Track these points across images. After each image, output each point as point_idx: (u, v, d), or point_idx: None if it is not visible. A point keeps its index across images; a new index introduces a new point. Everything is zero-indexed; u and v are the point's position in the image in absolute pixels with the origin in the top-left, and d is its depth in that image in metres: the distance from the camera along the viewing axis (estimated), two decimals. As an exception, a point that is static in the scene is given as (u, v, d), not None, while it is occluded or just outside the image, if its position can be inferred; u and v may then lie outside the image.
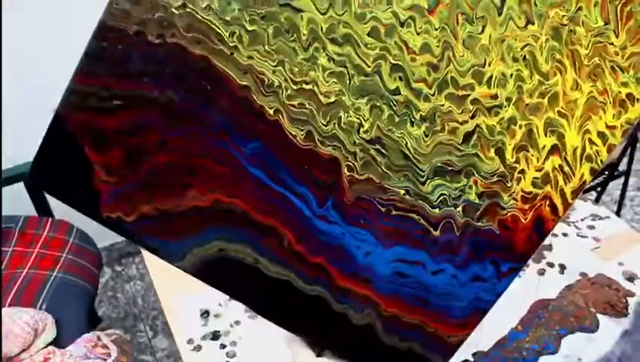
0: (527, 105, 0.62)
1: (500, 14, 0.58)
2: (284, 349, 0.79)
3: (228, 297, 0.82)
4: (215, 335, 0.81)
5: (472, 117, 0.62)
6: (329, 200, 0.64)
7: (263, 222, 0.64)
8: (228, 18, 0.56)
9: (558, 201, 0.65)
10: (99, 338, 0.94)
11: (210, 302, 0.86)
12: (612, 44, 0.60)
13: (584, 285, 0.86)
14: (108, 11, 0.53)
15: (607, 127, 0.63)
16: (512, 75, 0.61)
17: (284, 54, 0.58)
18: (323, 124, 0.61)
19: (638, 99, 0.62)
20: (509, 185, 0.65)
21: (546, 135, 0.63)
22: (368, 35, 0.58)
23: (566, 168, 0.65)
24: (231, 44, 0.56)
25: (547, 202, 0.66)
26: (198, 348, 0.79)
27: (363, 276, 0.68)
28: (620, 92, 0.62)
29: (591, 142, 0.63)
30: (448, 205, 0.65)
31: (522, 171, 0.64)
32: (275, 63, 0.58)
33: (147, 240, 0.64)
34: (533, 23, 0.59)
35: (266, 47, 0.57)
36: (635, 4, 0.58)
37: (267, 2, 0.56)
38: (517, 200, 0.66)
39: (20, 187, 1.38)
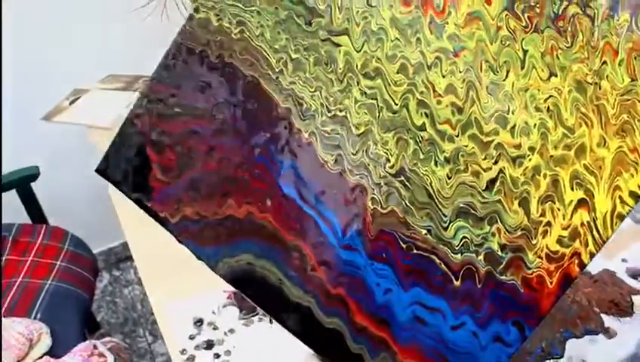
0: (551, 156, 0.63)
1: (522, 65, 0.62)
2: (279, 358, 0.77)
3: (222, 304, 0.82)
4: (209, 345, 0.81)
5: (495, 162, 0.64)
6: (353, 229, 0.67)
7: (290, 241, 0.68)
8: (277, 46, 0.66)
9: (586, 259, 0.63)
10: (95, 347, 0.95)
11: (204, 310, 0.86)
12: (641, 101, 0.61)
13: (586, 283, 0.80)
14: (182, 31, 0.66)
15: (641, 188, 0.61)
16: (535, 124, 0.63)
17: (322, 83, 0.66)
18: (352, 153, 0.66)
19: (673, 160, 0.61)
20: (533, 241, 0.64)
21: (572, 189, 0.63)
22: (397, 72, 0.65)
23: (596, 234, 0.62)
24: (277, 69, 0.66)
25: (576, 261, 0.63)
26: (192, 358, 0.80)
27: (381, 316, 0.68)
28: (652, 153, 0.61)
29: (622, 201, 0.62)
30: (470, 251, 0.65)
31: (548, 224, 0.63)
32: (313, 89, 0.66)
33: (187, 243, 0.70)
34: (556, 75, 0.62)
35: (307, 75, 0.66)
36: (662, 61, 0.60)
37: (311, 35, 0.65)
38: (542, 259, 0.64)
39: (13, 195, 1.39)
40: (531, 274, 0.64)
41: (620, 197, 0.62)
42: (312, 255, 0.68)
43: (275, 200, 0.68)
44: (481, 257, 0.65)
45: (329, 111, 0.66)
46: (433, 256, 0.66)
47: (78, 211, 2.04)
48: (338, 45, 0.65)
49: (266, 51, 0.66)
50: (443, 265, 0.66)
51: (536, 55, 0.62)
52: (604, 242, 0.62)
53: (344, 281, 0.68)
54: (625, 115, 0.61)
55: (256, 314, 0.90)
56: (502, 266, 0.65)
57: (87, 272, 1.31)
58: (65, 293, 1.18)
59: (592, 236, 0.62)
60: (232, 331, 0.85)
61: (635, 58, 0.60)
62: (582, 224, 0.63)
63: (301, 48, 0.66)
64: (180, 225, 0.70)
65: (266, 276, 0.69)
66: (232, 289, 0.90)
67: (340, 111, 0.66)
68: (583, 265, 0.63)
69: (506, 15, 0.62)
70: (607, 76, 0.61)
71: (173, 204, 0.69)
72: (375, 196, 0.66)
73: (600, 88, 0.61)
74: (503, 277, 0.65)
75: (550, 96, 0.62)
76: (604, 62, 0.61)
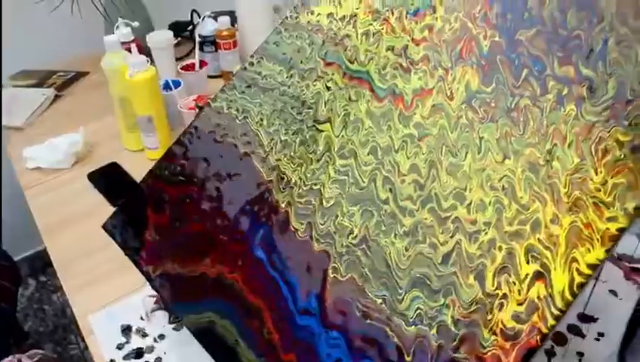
0: (506, 231, 0.63)
1: (479, 150, 0.67)
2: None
3: (150, 310, 0.75)
4: (138, 353, 0.74)
5: (452, 236, 0.65)
6: (312, 294, 0.68)
7: (252, 302, 0.70)
8: (271, 130, 0.76)
9: (546, 330, 0.58)
10: (19, 361, 0.87)
11: (132, 316, 0.79)
12: (592, 179, 0.62)
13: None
14: (198, 115, 0.79)
15: (600, 261, 0.59)
16: (490, 201, 0.65)
17: (303, 160, 0.74)
18: (321, 223, 0.70)
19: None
20: (489, 317, 0.61)
21: (528, 262, 0.61)
22: (368, 154, 0.72)
23: (554, 310, 0.59)
24: (267, 148, 0.76)
25: (537, 337, 0.58)
26: (120, 369, 0.73)
27: None
28: (607, 228, 0.60)
29: (580, 272, 0.59)
30: (424, 323, 0.63)
31: (504, 296, 0.61)
32: (295, 165, 0.74)
33: (163, 297, 0.74)
34: (510, 158, 0.66)
35: (291, 154, 0.75)
36: (609, 142, 0.62)
37: (300, 122, 0.76)
38: (497, 336, 0.60)
39: None
40: (486, 352, 0.60)
41: (578, 270, 0.59)
42: (269, 318, 0.68)
43: (245, 263, 0.72)
44: (434, 331, 0.62)
45: (305, 185, 0.73)
46: (387, 328, 0.64)
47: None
48: (321, 131, 0.75)
49: (261, 134, 0.77)
50: (395, 338, 0.63)
51: (492, 140, 0.67)
52: (564, 313, 0.58)
53: (296, 348, 0.66)
54: (577, 191, 0.62)
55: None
56: (455, 342, 0.61)
57: (6, 281, 1.21)
58: (-18, 307, 1.08)
59: (550, 311, 0.59)
60: (162, 337, 0.80)
61: (583, 141, 0.63)
62: (539, 297, 0.60)
63: (290, 132, 0.76)
64: (159, 279, 0.74)
65: (224, 336, 0.69)
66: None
67: (315, 185, 0.73)
68: (544, 337, 0.58)
69: (465, 107, 0.70)
70: (557, 157, 0.64)
71: (157, 260, 0.75)
72: (336, 265, 0.68)
73: (552, 168, 0.64)
74: (457, 355, 0.60)
75: (504, 176, 0.65)
76: (555, 145, 0.64)
